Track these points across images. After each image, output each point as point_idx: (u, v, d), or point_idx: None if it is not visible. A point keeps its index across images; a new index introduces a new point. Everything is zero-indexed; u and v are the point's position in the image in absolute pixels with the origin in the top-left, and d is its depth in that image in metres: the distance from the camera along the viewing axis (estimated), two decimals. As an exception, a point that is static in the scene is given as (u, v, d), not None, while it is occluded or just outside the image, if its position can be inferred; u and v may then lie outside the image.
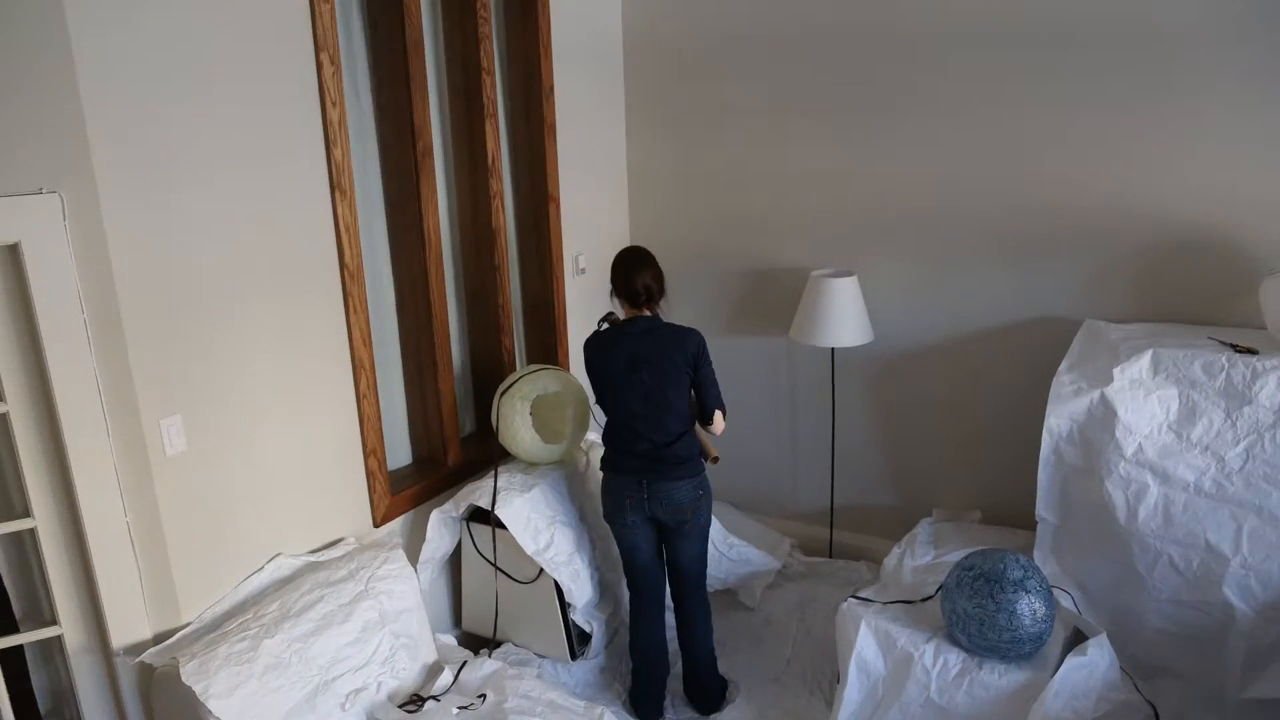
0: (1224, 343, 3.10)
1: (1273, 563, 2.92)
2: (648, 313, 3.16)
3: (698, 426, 3.22)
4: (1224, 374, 2.97)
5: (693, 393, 3.17)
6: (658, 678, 3.32)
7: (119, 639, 2.53)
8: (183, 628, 2.63)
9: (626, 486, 3.15)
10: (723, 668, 3.50)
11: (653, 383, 3.08)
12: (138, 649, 2.54)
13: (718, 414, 3.15)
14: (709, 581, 3.51)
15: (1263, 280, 3.06)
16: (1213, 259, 3.36)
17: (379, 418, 3.23)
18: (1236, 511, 2.95)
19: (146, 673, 2.57)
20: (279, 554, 2.92)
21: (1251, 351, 3.00)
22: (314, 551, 3.04)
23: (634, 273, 3.13)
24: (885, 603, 3.21)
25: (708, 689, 3.37)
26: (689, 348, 3.08)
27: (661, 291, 3.18)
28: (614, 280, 3.19)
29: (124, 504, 2.49)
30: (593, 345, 3.17)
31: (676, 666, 3.49)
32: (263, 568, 2.87)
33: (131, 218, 2.40)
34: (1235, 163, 3.26)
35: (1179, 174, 3.35)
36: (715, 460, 3.31)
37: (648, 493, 3.13)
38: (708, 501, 3.22)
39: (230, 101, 2.61)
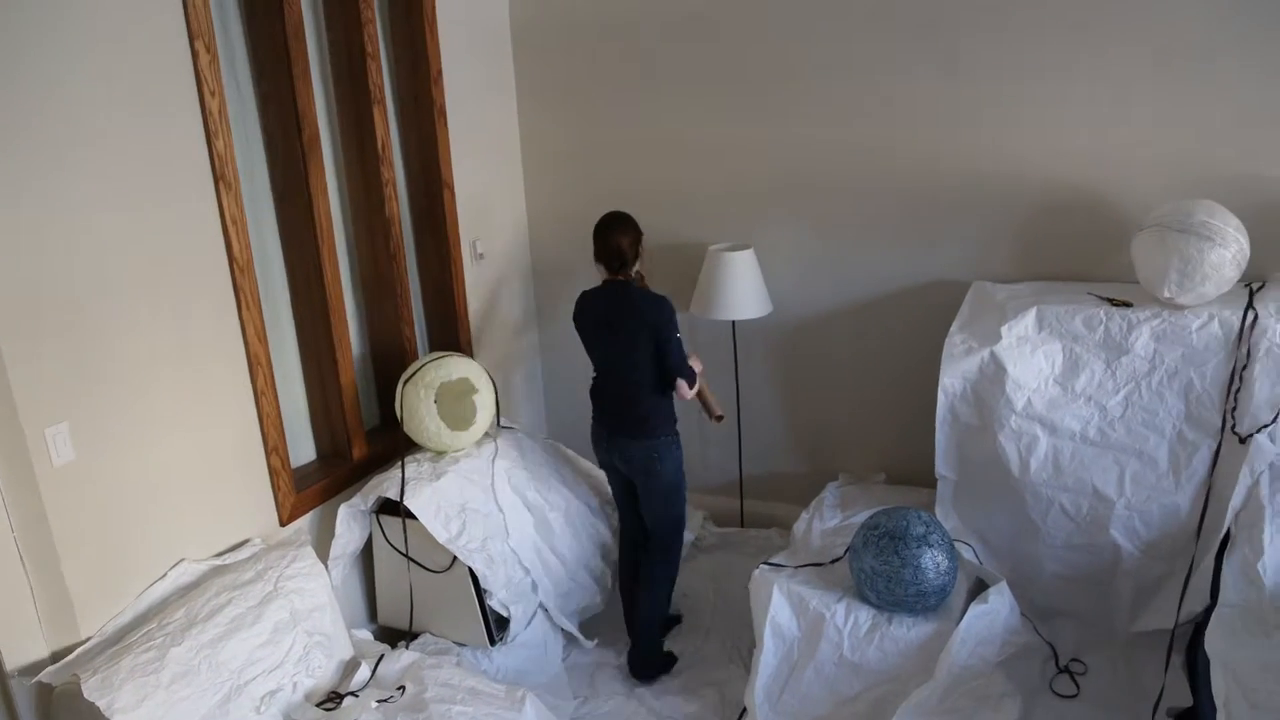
0: (1102, 297, 3.25)
1: (1153, 503, 3.09)
2: (622, 277, 3.30)
3: (700, 385, 3.38)
4: (1102, 327, 3.12)
5: None
6: (626, 612, 3.58)
7: (12, 660, 2.42)
8: (82, 643, 2.53)
9: (597, 432, 3.46)
10: (643, 642, 3.55)
11: (616, 346, 3.31)
12: (34, 669, 2.44)
13: (680, 382, 3.27)
14: None
15: (1133, 236, 3.22)
16: (1088, 219, 3.52)
17: (279, 414, 3.16)
18: (1119, 457, 3.11)
19: (45, 693, 2.47)
20: (182, 560, 2.84)
21: (1126, 304, 3.16)
22: (219, 555, 2.96)
23: (606, 237, 3.29)
24: (796, 567, 3.29)
25: (641, 657, 3.48)
26: (649, 316, 3.22)
27: (636, 257, 3.30)
28: (593, 246, 3.32)
29: (9, 519, 2.38)
30: (577, 303, 3.42)
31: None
32: (165, 575, 2.78)
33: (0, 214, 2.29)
34: (1103, 127, 3.42)
35: (1053, 139, 3.49)
36: (719, 419, 3.47)
37: (608, 443, 3.42)
38: (670, 465, 3.36)
39: (103, 93, 2.50)
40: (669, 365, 3.25)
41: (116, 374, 2.60)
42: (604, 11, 4.01)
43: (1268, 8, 3.13)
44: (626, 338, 3.27)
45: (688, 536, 4.02)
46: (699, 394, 3.41)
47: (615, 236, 3.27)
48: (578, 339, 3.46)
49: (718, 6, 3.82)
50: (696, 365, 3.40)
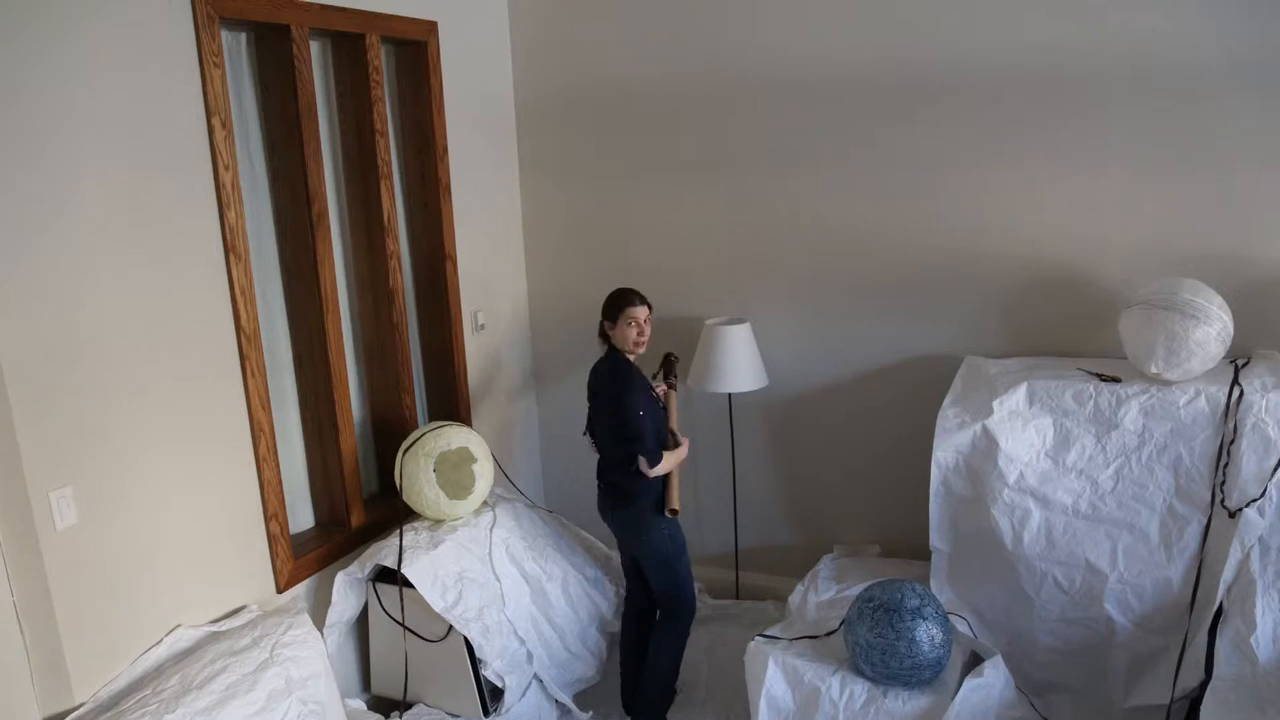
0: (1091, 373, 3.31)
1: (1146, 577, 3.11)
2: (612, 350, 3.39)
3: (670, 468, 3.35)
4: (1092, 402, 3.17)
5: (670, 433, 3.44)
6: (625, 679, 3.63)
7: (7, 724, 2.42)
8: (76, 709, 2.52)
9: (600, 502, 3.51)
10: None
11: (595, 415, 3.45)
12: (28, 733, 2.44)
13: (641, 458, 3.26)
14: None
15: (1120, 313, 3.29)
16: (1077, 296, 3.60)
17: (279, 481, 3.19)
18: (1111, 530, 3.14)
19: (38, 758, 2.46)
20: (178, 625, 2.84)
21: (1115, 380, 3.22)
22: (215, 621, 2.96)
23: (603, 311, 3.38)
24: (791, 639, 3.29)
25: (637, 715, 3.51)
26: (609, 388, 3.32)
27: (603, 334, 3.39)
28: None
29: (10, 584, 2.40)
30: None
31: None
32: (161, 640, 2.78)
33: (14, 283, 2.35)
34: (1090, 209, 3.52)
35: (1042, 219, 3.60)
36: (672, 513, 3.34)
37: (608, 513, 3.48)
38: (656, 535, 3.37)
39: (121, 164, 2.59)
40: (632, 443, 3.26)
41: (121, 438, 2.64)
42: (605, 93, 4.15)
43: (1248, 94, 3.26)
44: (599, 409, 3.40)
45: None
46: (666, 476, 3.37)
47: (604, 311, 3.38)
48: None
49: (717, 89, 3.96)
50: (681, 450, 3.41)
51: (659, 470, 3.28)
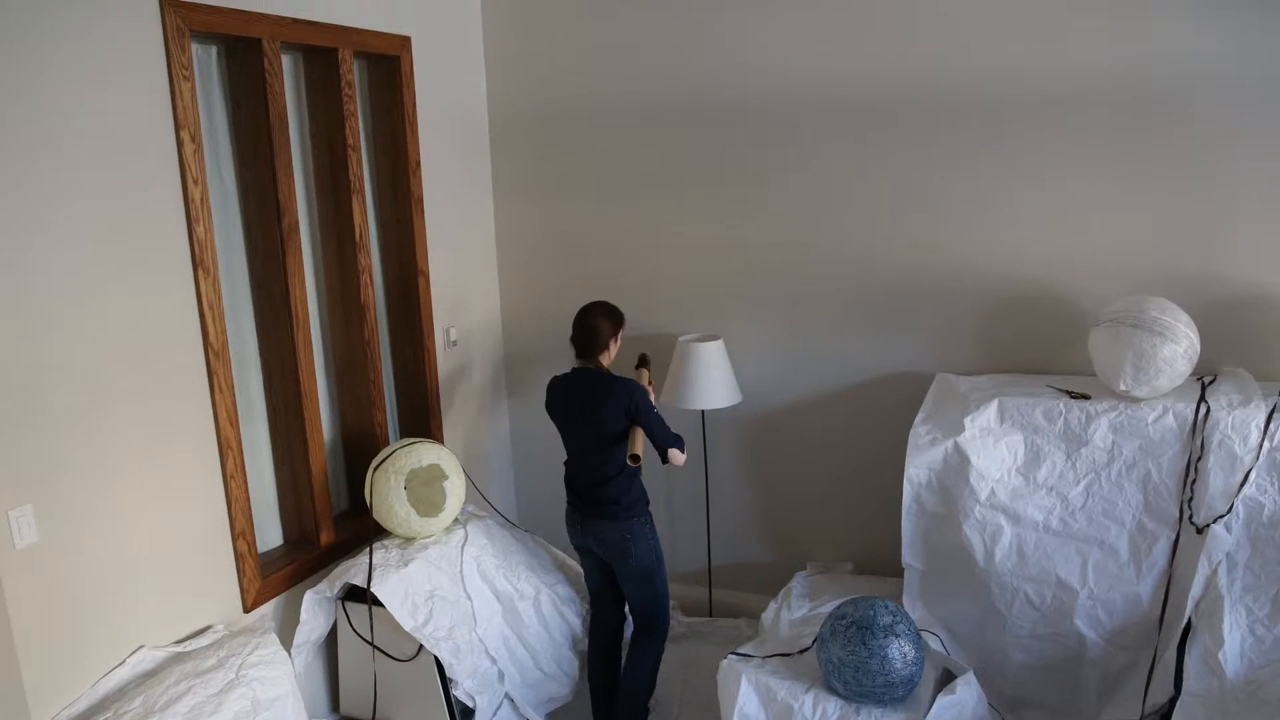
0: (1061, 390, 3.34)
1: (1115, 592, 3.13)
2: (592, 365, 3.35)
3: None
4: (1062, 419, 3.20)
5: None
6: (595, 698, 3.58)
7: (-37, 749, 2.36)
8: (35, 732, 2.47)
9: (571, 516, 3.46)
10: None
11: (587, 431, 3.33)
12: (-16, 758, 2.38)
13: (672, 451, 3.32)
14: None
15: (1090, 331, 3.32)
16: (1047, 313, 3.63)
17: (247, 499, 3.15)
18: (1081, 546, 3.16)
19: (-6, 784, 2.40)
20: (142, 646, 2.79)
21: (1085, 397, 3.24)
22: (180, 641, 2.91)
23: (583, 318, 3.36)
24: (764, 657, 3.27)
25: None
26: (624, 399, 3.26)
27: (603, 345, 3.35)
28: (572, 329, 3.39)
29: (-31, 603, 2.35)
30: (550, 387, 3.44)
31: None
32: (124, 661, 2.73)
33: (-22, 300, 2.31)
34: (1060, 227, 3.56)
35: (1012, 238, 3.63)
36: (633, 459, 3.27)
37: (582, 527, 3.41)
38: (644, 547, 3.36)
39: (88, 178, 2.56)
40: (658, 439, 3.30)
41: (84, 455, 2.60)
42: (579, 109, 4.16)
43: (1217, 114, 3.31)
44: (599, 422, 3.29)
45: None
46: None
47: (593, 318, 3.33)
48: (549, 425, 3.50)
49: (690, 106, 3.97)
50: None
51: (682, 458, 3.35)
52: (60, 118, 2.49)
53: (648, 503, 3.41)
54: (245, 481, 3.13)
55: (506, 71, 4.26)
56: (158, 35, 2.73)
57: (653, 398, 3.50)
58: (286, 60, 3.35)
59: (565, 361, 3.46)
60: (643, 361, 3.77)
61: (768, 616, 3.67)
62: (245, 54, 3.12)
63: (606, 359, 3.37)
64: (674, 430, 3.37)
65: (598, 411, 3.29)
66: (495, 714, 3.43)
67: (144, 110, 2.72)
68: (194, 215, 2.87)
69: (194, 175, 2.86)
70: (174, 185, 2.82)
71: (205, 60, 3.08)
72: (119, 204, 2.66)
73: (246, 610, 3.16)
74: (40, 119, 2.44)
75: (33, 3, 2.40)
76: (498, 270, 4.50)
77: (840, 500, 4.12)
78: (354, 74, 3.55)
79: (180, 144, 2.82)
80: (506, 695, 3.48)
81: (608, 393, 3.27)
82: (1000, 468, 3.23)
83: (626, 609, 3.60)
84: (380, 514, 3.44)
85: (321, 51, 3.43)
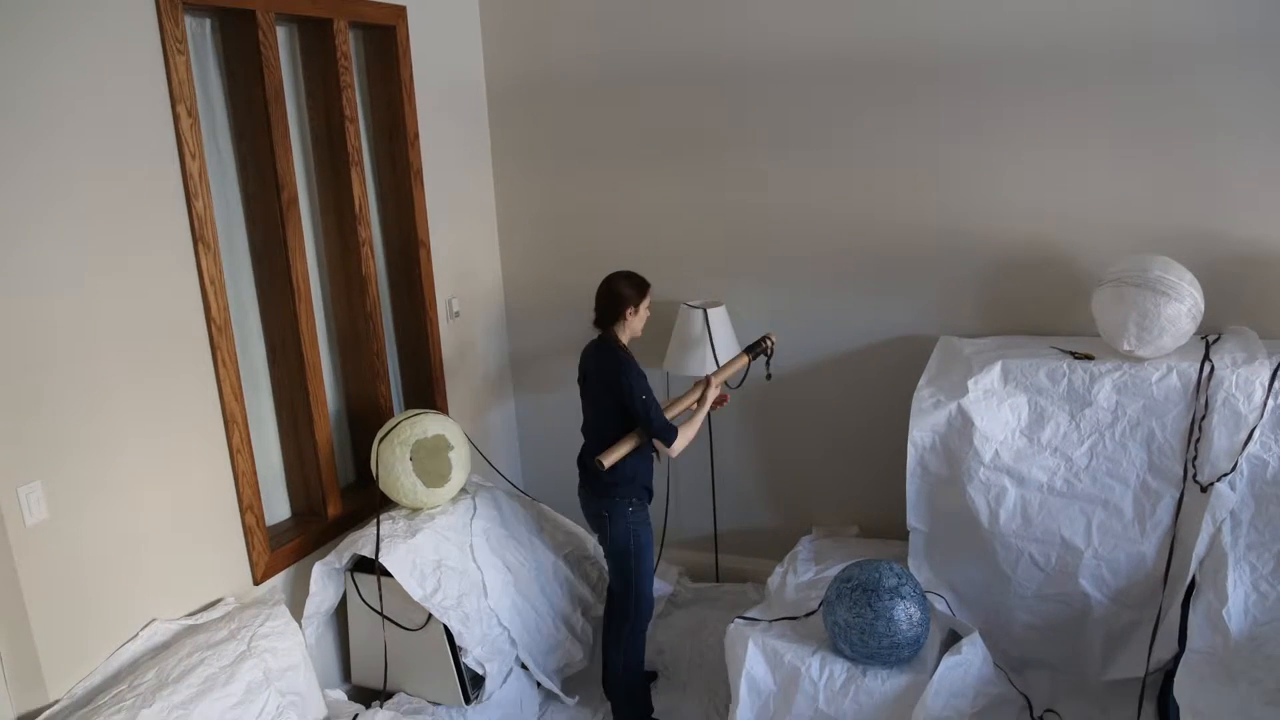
0: (1064, 350, 3.33)
1: (1120, 551, 3.14)
2: (603, 333, 3.31)
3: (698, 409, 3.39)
4: (1065, 380, 3.19)
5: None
6: (603, 672, 3.53)
7: (-21, 723, 2.40)
8: (50, 705, 2.50)
9: (580, 486, 3.44)
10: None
11: (586, 400, 3.37)
12: (2, 732, 2.42)
13: (658, 443, 3.26)
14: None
15: (1093, 291, 3.31)
16: (1050, 274, 3.62)
17: (254, 472, 3.16)
18: (1085, 506, 3.16)
19: (12, 757, 2.44)
20: (154, 619, 2.82)
21: (1088, 357, 3.24)
22: (192, 614, 2.94)
23: (605, 284, 3.31)
24: (771, 621, 3.30)
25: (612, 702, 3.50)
26: (608, 375, 3.22)
27: (616, 315, 3.27)
28: None
29: (-19, 580, 2.37)
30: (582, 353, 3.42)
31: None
32: (137, 635, 2.76)
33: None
34: (1062, 186, 3.53)
35: (1014, 198, 3.60)
36: (598, 464, 3.23)
37: (582, 496, 3.43)
38: (621, 527, 3.29)
39: (82, 154, 2.55)
40: (647, 425, 3.22)
41: (91, 431, 2.61)
42: (577, 77, 4.12)
43: (1221, 71, 3.27)
44: (593, 393, 3.31)
45: (664, 589, 4.02)
46: (719, 386, 3.44)
47: (606, 285, 3.29)
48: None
49: (689, 72, 3.94)
50: (696, 419, 3.39)
51: (678, 448, 3.27)
52: (55, 96, 2.47)
53: (644, 487, 3.35)
54: (251, 455, 3.14)
55: (503, 40, 4.22)
56: (151, 8, 2.71)
57: (735, 365, 3.48)
58: (281, 32, 3.32)
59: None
60: (753, 346, 3.63)
61: (774, 580, 3.70)
62: (240, 26, 3.09)
63: (624, 330, 3.28)
64: (666, 420, 3.26)
65: (588, 382, 3.32)
66: (505, 681, 3.46)
67: (139, 85, 2.70)
68: (193, 190, 2.86)
69: (191, 150, 2.84)
70: (172, 161, 2.81)
71: (199, 33, 3.06)
72: (118, 181, 2.65)
73: (256, 583, 3.19)
74: (35, 98, 2.42)
75: (23, -22, 2.38)
76: (499, 240, 4.48)
77: (844, 464, 4.13)
78: (350, 45, 3.52)
79: (176, 118, 2.80)
80: (519, 662, 3.52)
81: (599, 366, 3.26)
82: (1004, 429, 3.24)
83: None
84: (386, 485, 3.46)
85: (316, 22, 3.39)
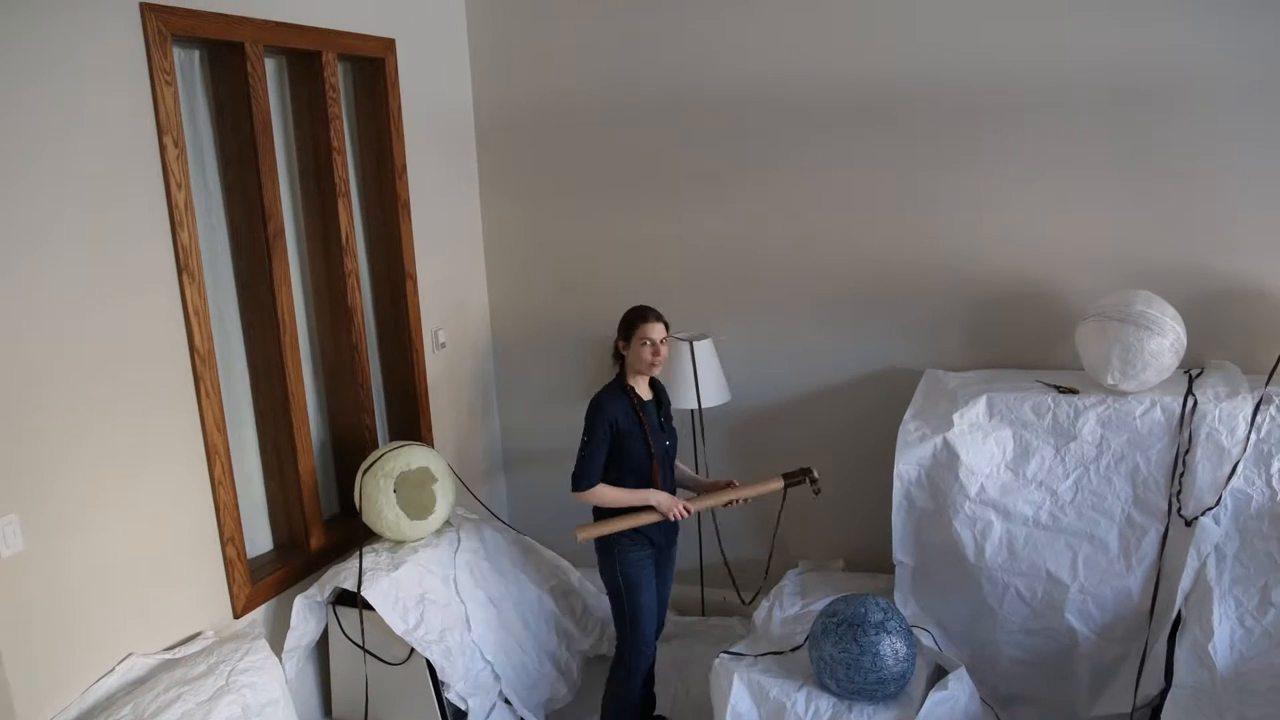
0: (1049, 384, 3.34)
1: (1106, 586, 3.13)
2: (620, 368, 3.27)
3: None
4: (1050, 414, 3.20)
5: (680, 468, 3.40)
6: None
7: (-49, 760, 2.35)
8: (24, 742, 2.46)
9: None
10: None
11: None
12: (-27, 769, 2.37)
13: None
14: None
15: (1077, 326, 3.33)
16: (1034, 308, 3.64)
17: (236, 503, 3.14)
18: (1071, 541, 3.16)
19: (-17, 794, 2.39)
20: (131, 654, 2.78)
21: (1073, 391, 3.25)
22: (170, 648, 2.90)
23: (619, 329, 3.24)
24: (757, 655, 3.27)
25: None
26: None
27: (615, 351, 3.26)
28: None
29: (-45, 613, 2.34)
30: None
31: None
32: (113, 669, 2.71)
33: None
34: (1047, 223, 3.57)
35: (1001, 233, 3.64)
36: (574, 536, 3.19)
37: None
38: (608, 565, 3.24)
39: (68, 183, 2.55)
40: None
41: (70, 462, 2.59)
42: (565, 110, 4.15)
43: (1203, 109, 3.32)
44: None
45: None
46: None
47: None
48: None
49: (675, 106, 3.97)
50: (638, 494, 3.19)
51: (586, 500, 3.14)
52: (41, 126, 2.47)
53: (641, 534, 3.23)
54: (233, 487, 3.12)
55: (491, 73, 4.25)
56: (139, 40, 2.72)
57: (757, 489, 3.33)
58: (270, 63, 3.33)
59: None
60: (792, 475, 3.38)
61: (760, 615, 3.67)
62: (228, 58, 3.10)
63: (628, 365, 3.21)
64: (589, 467, 3.13)
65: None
66: (488, 716, 3.42)
67: (126, 116, 2.70)
68: (178, 220, 2.85)
69: (177, 180, 2.84)
70: (157, 191, 2.81)
71: (188, 65, 3.07)
72: (102, 211, 2.65)
73: (236, 616, 3.15)
74: (21, 127, 2.42)
75: (13, 10, 2.38)
76: (486, 271, 4.49)
77: (830, 497, 4.09)
78: (338, 77, 3.54)
79: (163, 149, 2.80)
80: (503, 697, 3.48)
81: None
82: (989, 463, 3.24)
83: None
84: (370, 517, 3.43)
85: (305, 55, 3.41)
